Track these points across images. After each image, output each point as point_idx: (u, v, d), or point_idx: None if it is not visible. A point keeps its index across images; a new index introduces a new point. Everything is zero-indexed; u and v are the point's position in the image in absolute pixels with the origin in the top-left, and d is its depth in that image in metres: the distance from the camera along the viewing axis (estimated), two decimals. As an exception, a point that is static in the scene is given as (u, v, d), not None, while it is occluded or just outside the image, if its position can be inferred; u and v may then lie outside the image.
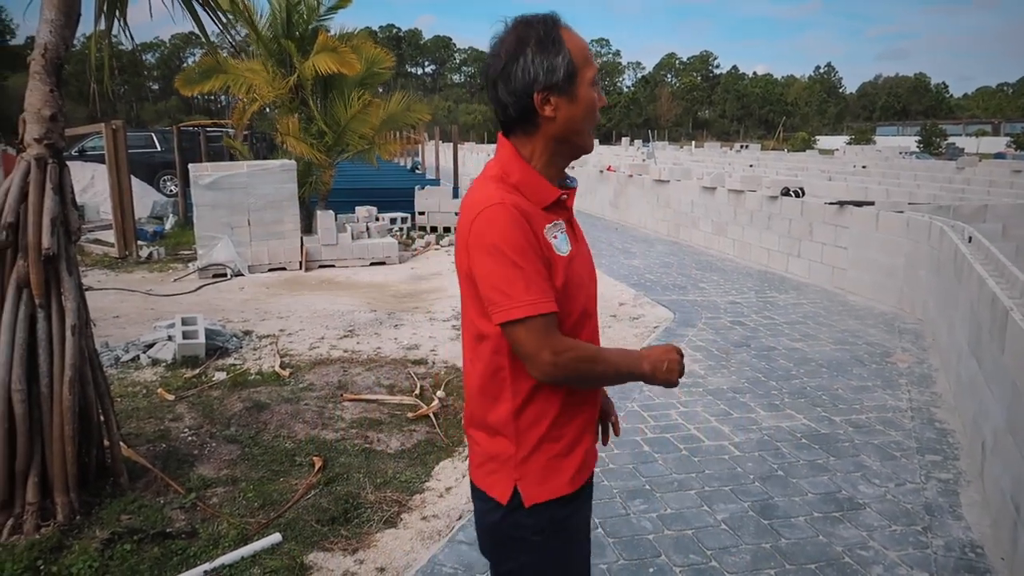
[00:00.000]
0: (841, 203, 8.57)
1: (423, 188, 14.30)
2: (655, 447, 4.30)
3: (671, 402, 5.01)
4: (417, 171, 23.78)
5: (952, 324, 5.34)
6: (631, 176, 14.84)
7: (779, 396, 5.11)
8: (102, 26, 3.93)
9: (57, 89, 3.38)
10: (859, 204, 8.42)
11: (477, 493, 1.67)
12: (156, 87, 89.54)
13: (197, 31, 4.36)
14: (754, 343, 6.43)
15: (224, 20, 4.33)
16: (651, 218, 13.83)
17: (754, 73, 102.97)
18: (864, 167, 19.09)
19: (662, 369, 1.59)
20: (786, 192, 9.73)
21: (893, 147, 37.28)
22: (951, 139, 52.61)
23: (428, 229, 13.80)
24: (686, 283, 9.01)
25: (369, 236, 11.71)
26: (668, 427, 4.62)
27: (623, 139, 48.19)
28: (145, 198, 15.54)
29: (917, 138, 50.54)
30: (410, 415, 5.00)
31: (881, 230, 7.85)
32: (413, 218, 13.99)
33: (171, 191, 17.52)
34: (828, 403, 4.98)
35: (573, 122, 1.55)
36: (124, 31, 4.10)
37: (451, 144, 16.91)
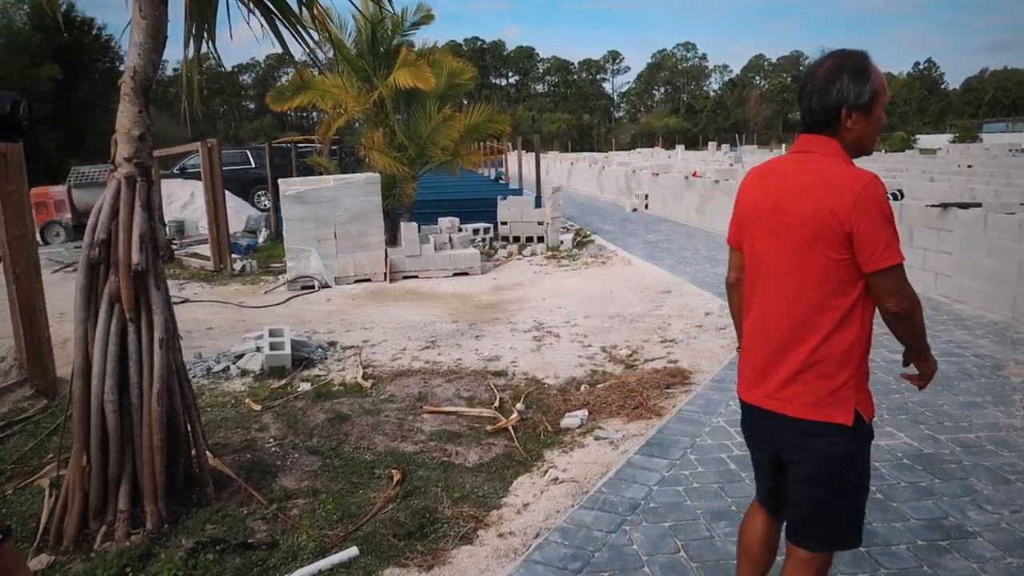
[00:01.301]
0: (944, 205, 8.07)
1: (505, 198, 14.34)
2: (742, 466, 4.09)
3: (760, 417, 4.78)
4: (501, 181, 23.91)
5: None
6: (717, 182, 14.45)
7: (877, 411, 4.79)
8: (192, 50, 4.07)
9: (145, 110, 3.50)
10: (964, 206, 7.91)
11: (813, 427, 2.11)
12: (252, 106, 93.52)
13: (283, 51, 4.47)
14: (850, 355, 6.09)
15: (308, 39, 4.41)
16: (739, 224, 13.40)
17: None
18: (970, 166, 18.04)
19: (933, 360, 2.31)
20: (883, 195, 9.24)
21: (1002, 144, 35.08)
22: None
23: (511, 239, 13.82)
24: (776, 291, 8.66)
25: (452, 247, 11.81)
26: (756, 444, 4.41)
27: (710, 144, 47.18)
28: (240, 213, 16.19)
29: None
30: (489, 428, 4.95)
31: (990, 233, 7.33)
32: (496, 228, 14.04)
33: (265, 206, 18.18)
34: (932, 420, 4.65)
35: (865, 134, 2.10)
36: (213, 53, 4.24)
37: (534, 154, 16.88)
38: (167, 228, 13.46)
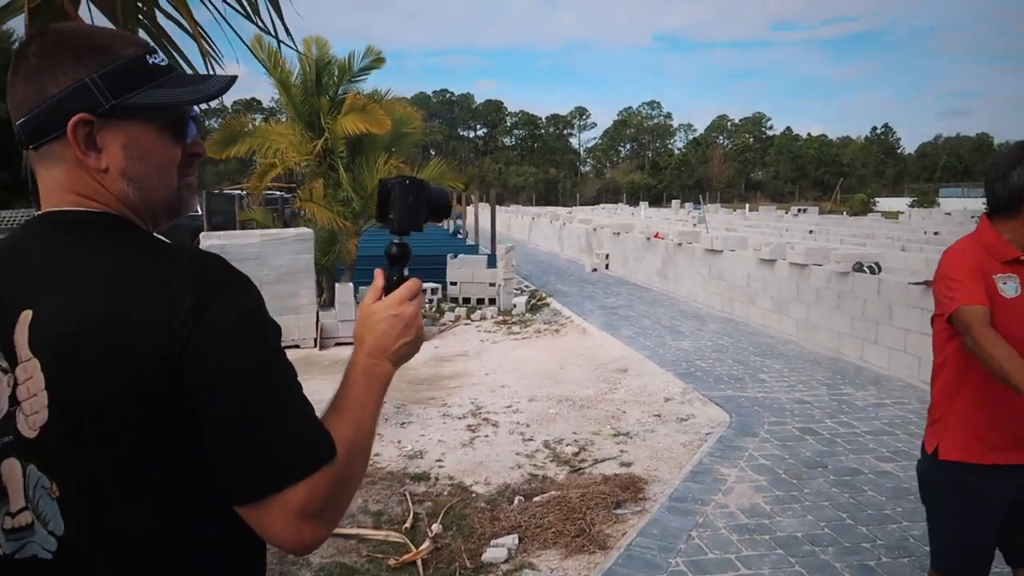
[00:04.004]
0: (927, 283, 7.32)
1: (456, 257, 13.44)
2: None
3: (727, 558, 3.82)
4: (458, 235, 23.08)
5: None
6: (680, 244, 13.74)
7: (873, 551, 3.88)
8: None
9: None
10: (950, 285, 7.17)
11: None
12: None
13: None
14: (832, 462, 5.19)
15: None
16: (703, 291, 12.66)
17: (808, 134, 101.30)
18: (936, 233, 17.65)
19: None
20: (859, 268, 8.52)
21: (961, 210, 35.39)
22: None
23: (460, 301, 12.87)
24: (743, 373, 7.79)
25: (393, 310, 10.80)
26: (725, 602, 3.44)
27: (673, 201, 47.17)
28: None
29: (984, 200, 48.27)
30: (392, 562, 3.93)
31: (981, 317, 6.58)
32: (445, 288, 13.10)
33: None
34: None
35: None
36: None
37: (499, 207, 16.08)
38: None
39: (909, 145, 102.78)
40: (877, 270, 8.47)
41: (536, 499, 4.72)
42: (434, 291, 12.66)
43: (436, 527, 4.33)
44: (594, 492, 4.72)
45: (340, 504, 1.02)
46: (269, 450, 0.95)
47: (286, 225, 13.97)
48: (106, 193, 1.01)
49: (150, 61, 1.02)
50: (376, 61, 13.09)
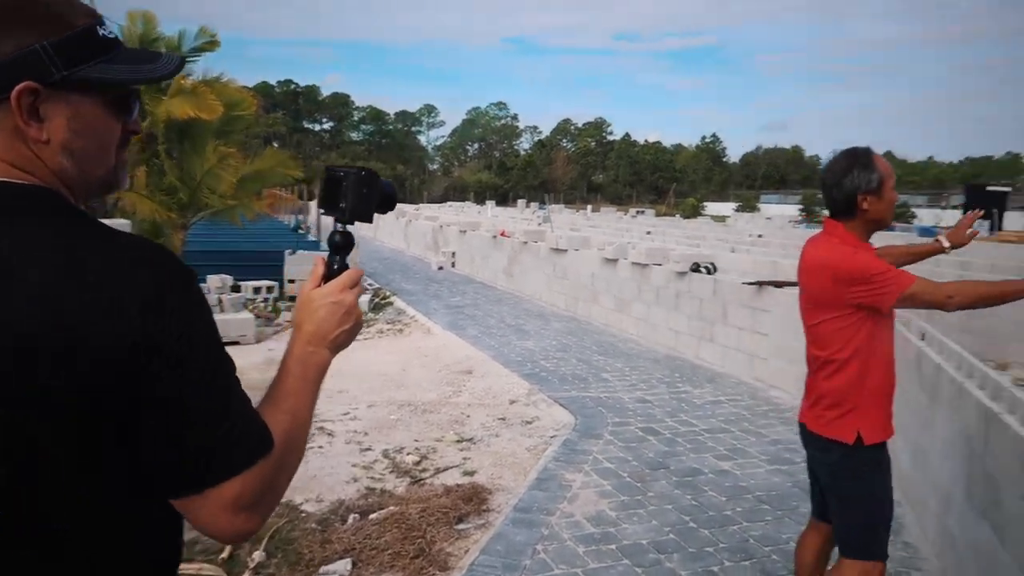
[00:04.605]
0: (760, 283, 7.63)
1: (295, 252, 12.69)
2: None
3: (574, 572, 3.64)
4: (300, 230, 22.03)
5: (922, 450, 4.26)
6: (526, 243, 13.74)
7: (716, 556, 3.84)
8: None
9: None
10: (780, 285, 7.49)
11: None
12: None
13: None
14: (674, 463, 5.19)
15: None
16: (547, 290, 12.70)
17: (645, 140, 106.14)
18: (760, 236, 18.80)
19: None
20: (696, 268, 8.76)
21: (780, 215, 38.30)
22: (830, 208, 54.88)
23: (298, 299, 12.14)
24: (587, 373, 7.77)
25: (223, 310, 10.00)
26: (572, 621, 3.25)
27: (519, 201, 47.80)
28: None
29: (799, 206, 52.53)
30: (204, 601, 3.44)
31: (806, 316, 6.89)
32: (283, 287, 12.33)
33: None
34: (781, 568, 3.75)
35: (880, 212, 2.57)
36: None
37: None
38: None
39: (734, 154, 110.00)
40: (713, 270, 8.76)
41: (373, 516, 4.36)
42: (269, 289, 11.88)
43: (258, 555, 3.88)
44: (435, 506, 4.41)
45: (275, 494, 1.02)
46: (211, 445, 0.94)
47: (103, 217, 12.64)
48: (42, 166, 0.96)
49: (100, 33, 0.99)
50: (210, 43, 12.12)
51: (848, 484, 2.61)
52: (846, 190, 2.53)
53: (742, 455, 5.37)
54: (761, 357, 7.50)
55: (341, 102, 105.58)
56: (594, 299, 11.06)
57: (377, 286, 14.22)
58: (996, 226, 27.41)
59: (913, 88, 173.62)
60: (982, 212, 3.33)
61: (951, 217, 33.79)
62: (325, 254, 1.23)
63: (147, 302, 0.89)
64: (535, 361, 8.26)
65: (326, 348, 1.14)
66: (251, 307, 10.95)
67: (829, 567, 2.92)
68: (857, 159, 2.55)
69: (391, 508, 4.44)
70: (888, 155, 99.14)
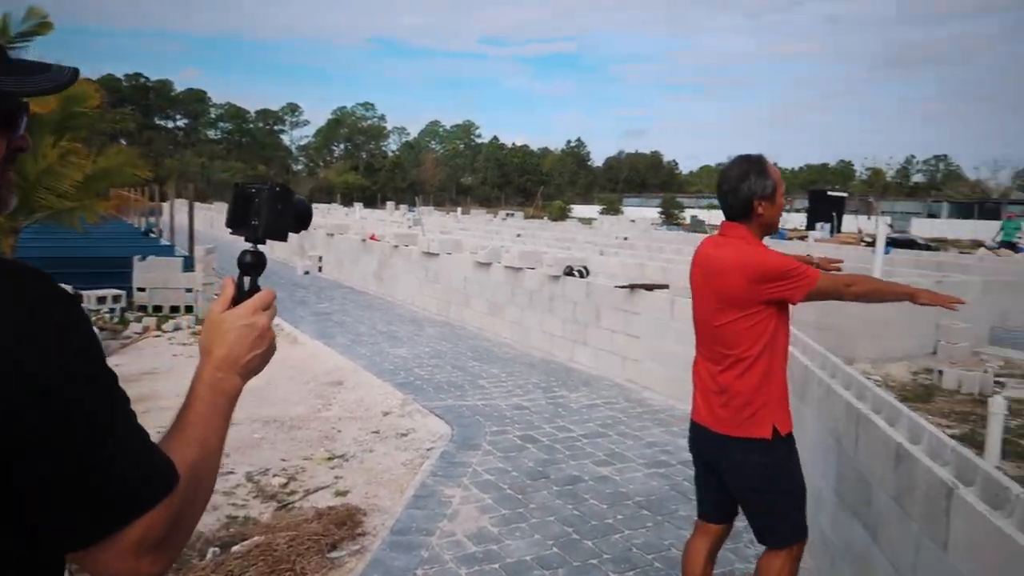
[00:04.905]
0: (632, 286, 7.73)
1: (144, 259, 11.76)
2: None
3: (458, 597, 3.46)
4: (152, 234, 20.58)
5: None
6: (397, 247, 13.41)
7: (601, 568, 3.76)
8: None
9: None
10: (651, 288, 7.62)
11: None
12: None
13: None
14: (554, 471, 5.11)
15: None
16: (420, 295, 12.44)
17: (513, 143, 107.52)
18: (626, 238, 19.35)
19: (925, 291, 2.85)
20: (569, 271, 8.80)
21: (642, 217, 39.76)
22: (689, 211, 57.81)
23: (150, 309, 11.26)
24: (463, 380, 7.61)
25: (60, 322, 9.07)
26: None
27: (388, 203, 47.04)
28: None
29: (659, 209, 54.86)
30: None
31: (677, 318, 7.04)
32: (131, 295, 11.39)
33: None
34: (664, 575, 3.72)
35: (772, 216, 2.71)
36: None
37: (202, 204, 14.44)
38: None
39: (597, 159, 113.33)
40: (586, 273, 8.82)
41: (235, 549, 3.99)
42: (116, 298, 10.94)
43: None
44: (305, 533, 4.10)
45: (184, 531, 0.95)
46: (107, 493, 0.84)
47: (-89, 219, 11.22)
48: None
49: None
50: (41, 26, 10.93)
51: (772, 478, 2.68)
52: (743, 195, 2.65)
53: (620, 459, 5.37)
54: (633, 359, 7.60)
55: (196, 98, 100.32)
56: (467, 303, 10.92)
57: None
58: (836, 228, 29.62)
59: (759, 99, 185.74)
60: (842, 260, 3.73)
61: (797, 219, 36.24)
62: (235, 275, 1.16)
63: (19, 334, 0.79)
64: (409, 369, 8.01)
65: (237, 374, 1.08)
66: (96, 319, 10.03)
67: (755, 566, 2.94)
68: (753, 166, 2.66)
69: (256, 538, 4.08)
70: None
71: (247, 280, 1.16)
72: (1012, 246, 20.81)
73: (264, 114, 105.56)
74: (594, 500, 4.61)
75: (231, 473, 5.09)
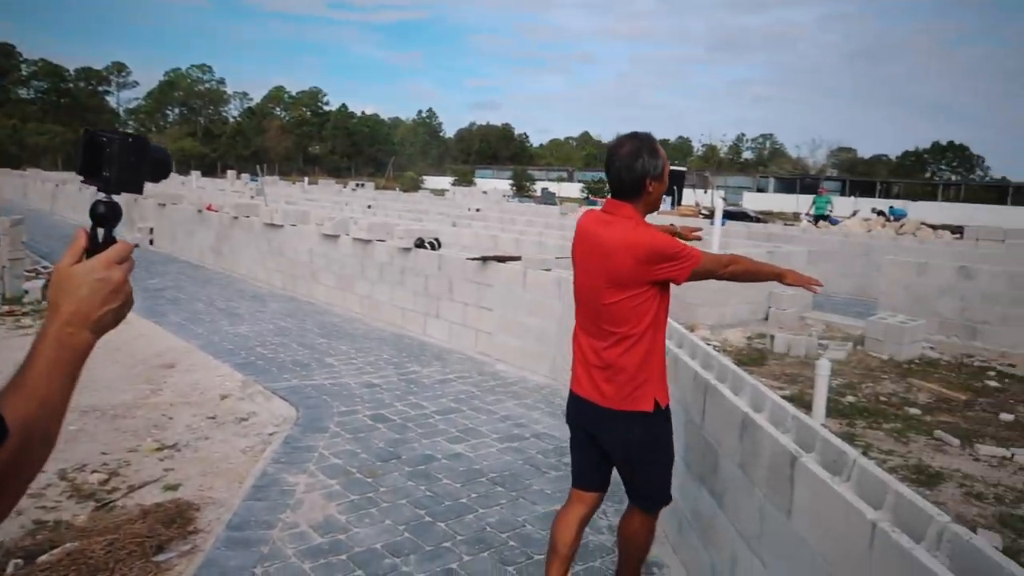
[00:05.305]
0: (484, 258, 7.62)
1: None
2: None
3: (301, 594, 3.22)
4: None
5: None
6: (237, 218, 12.60)
7: (454, 550, 3.64)
8: None
9: None
10: (503, 260, 7.54)
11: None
12: None
13: None
14: (405, 451, 4.93)
15: None
16: (263, 269, 11.77)
17: (363, 112, 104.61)
18: (479, 210, 19.30)
19: (786, 270, 3.12)
20: (420, 244, 8.57)
21: (493, 189, 39.93)
22: (540, 183, 58.76)
23: (-56, 288, 9.92)
24: (309, 358, 7.23)
25: None
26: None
27: (228, 172, 44.40)
28: None
29: (510, 181, 55.38)
30: None
31: (529, 289, 7.02)
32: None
33: None
34: (519, 553, 3.65)
35: (659, 195, 2.76)
36: None
37: (14, 171, 12.81)
38: None
39: (449, 130, 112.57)
40: (438, 245, 8.63)
41: (43, 559, 3.52)
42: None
43: None
44: (128, 535, 3.69)
45: (11, 492, 0.91)
46: None
47: None
48: None
49: None
50: None
51: (654, 449, 2.79)
52: (636, 174, 2.66)
53: (474, 435, 5.27)
54: (486, 331, 7.52)
55: (4, 53, 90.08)
56: (314, 277, 10.44)
57: (51, 268, 12.17)
58: (676, 202, 31.07)
59: (603, 75, 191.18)
60: (701, 229, 3.76)
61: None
62: (87, 226, 1.11)
63: None
64: (250, 348, 7.52)
65: (88, 329, 1.03)
66: None
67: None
68: (644, 144, 2.68)
69: (68, 545, 3.63)
70: (585, 136, 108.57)
71: (101, 232, 1.11)
72: (825, 219, 22.67)
73: (86, 73, 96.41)
74: (447, 479, 4.48)
75: (41, 472, 4.52)
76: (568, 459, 4.89)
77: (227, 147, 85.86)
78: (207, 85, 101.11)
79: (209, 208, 14.00)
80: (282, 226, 11.24)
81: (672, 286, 2.75)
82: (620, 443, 2.79)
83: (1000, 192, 56.39)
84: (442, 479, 4.49)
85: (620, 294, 2.65)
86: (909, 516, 2.09)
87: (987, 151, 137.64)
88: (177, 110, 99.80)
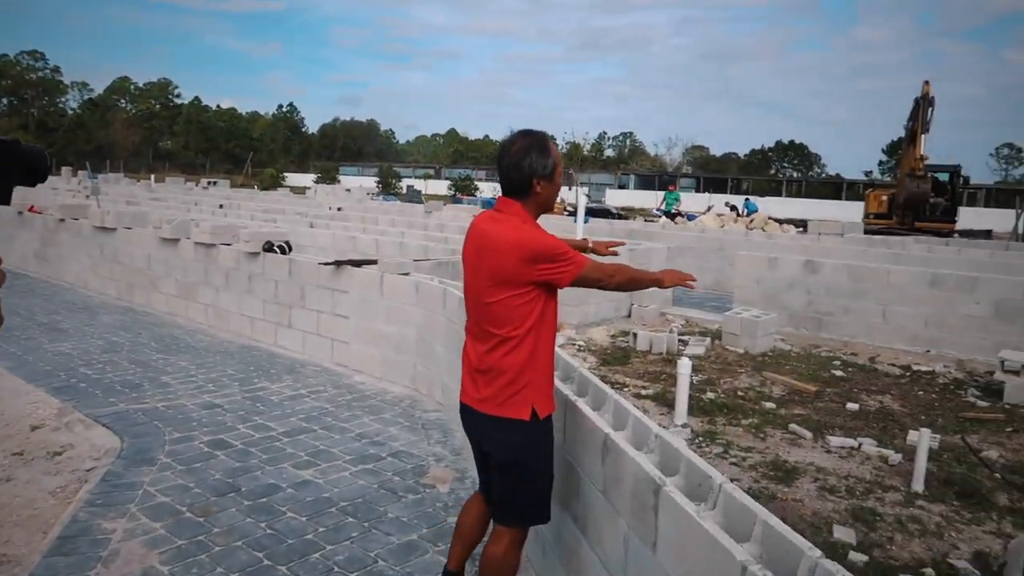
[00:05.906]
0: (338, 263, 7.15)
1: None
2: None
3: (105, 672, 2.72)
4: None
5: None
6: (63, 220, 11.40)
7: (295, 598, 3.23)
8: None
9: None
10: (358, 264, 7.10)
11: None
12: None
13: None
14: (246, 482, 4.44)
15: None
16: (95, 276, 10.69)
17: (218, 106, 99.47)
18: (340, 209, 18.57)
19: (665, 273, 3.07)
20: (269, 247, 7.96)
21: (358, 187, 38.90)
22: (406, 181, 57.91)
23: None
24: (141, 377, 6.52)
25: None
26: None
27: (64, 168, 40.70)
28: None
29: (376, 179, 54.23)
30: None
31: (387, 296, 6.63)
32: None
33: None
34: (369, 596, 3.29)
35: (549, 196, 2.71)
36: None
37: None
38: None
39: (312, 125, 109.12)
40: (288, 250, 8.06)
41: None
42: None
43: None
44: None
45: None
46: None
47: None
48: None
49: None
50: None
51: (527, 461, 2.70)
52: (524, 172, 2.62)
53: (325, 458, 4.85)
54: (342, 341, 7.07)
55: None
56: (153, 285, 9.56)
57: None
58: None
59: (467, 72, 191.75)
60: (624, 243, 3.84)
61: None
62: None
63: None
64: (72, 369, 6.70)
65: None
66: None
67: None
68: (535, 143, 2.63)
69: None
70: (452, 133, 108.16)
71: None
72: (674, 215, 23.55)
73: None
74: (292, 513, 4.05)
75: None
76: (426, 480, 4.60)
77: (66, 141, 79.23)
78: (40, 73, 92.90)
79: (31, 210, 12.61)
80: (115, 229, 10.23)
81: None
82: (496, 450, 2.74)
83: (836, 187, 61.14)
84: (286, 513, 4.05)
85: (501, 293, 2.59)
86: (778, 550, 1.93)
87: (822, 149, 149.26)
88: (5, 100, 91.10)
